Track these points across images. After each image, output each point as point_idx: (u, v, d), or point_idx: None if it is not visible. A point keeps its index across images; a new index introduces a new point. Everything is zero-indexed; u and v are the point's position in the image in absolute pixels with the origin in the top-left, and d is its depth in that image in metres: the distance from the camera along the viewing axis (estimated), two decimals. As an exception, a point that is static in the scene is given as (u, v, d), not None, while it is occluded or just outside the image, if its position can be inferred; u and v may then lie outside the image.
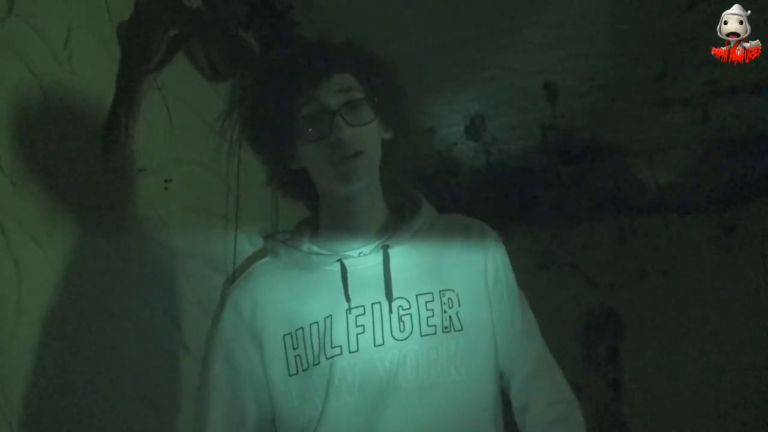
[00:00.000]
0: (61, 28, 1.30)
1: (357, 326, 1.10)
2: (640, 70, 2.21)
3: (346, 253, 1.16)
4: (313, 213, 1.27)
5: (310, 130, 1.11)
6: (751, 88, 2.25)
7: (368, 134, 1.12)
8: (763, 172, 2.62)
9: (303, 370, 1.12)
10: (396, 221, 1.21)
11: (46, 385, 1.19)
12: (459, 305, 1.13)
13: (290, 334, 1.14)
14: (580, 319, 2.99)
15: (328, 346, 1.10)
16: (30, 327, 1.17)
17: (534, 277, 2.90)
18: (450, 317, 1.11)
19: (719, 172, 2.70)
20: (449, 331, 1.10)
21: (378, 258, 1.15)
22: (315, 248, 1.20)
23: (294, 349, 1.13)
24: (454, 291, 1.14)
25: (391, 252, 1.15)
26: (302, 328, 1.13)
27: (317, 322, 1.12)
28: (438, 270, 1.16)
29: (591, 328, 2.98)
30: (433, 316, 1.11)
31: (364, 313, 1.11)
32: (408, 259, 1.16)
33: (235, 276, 1.73)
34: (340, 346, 1.10)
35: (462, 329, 1.11)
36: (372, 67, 1.17)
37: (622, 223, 2.98)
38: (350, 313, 1.11)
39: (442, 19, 1.86)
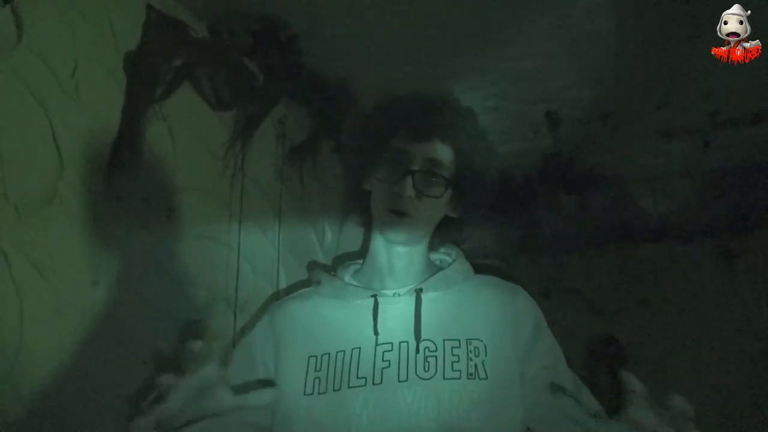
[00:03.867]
0: (69, 57, 1.32)
1: (383, 361, 1.13)
2: (642, 100, 2.23)
3: (382, 291, 1.20)
4: (362, 245, 1.33)
5: (384, 170, 1.17)
6: (751, 119, 2.26)
7: (428, 205, 1.18)
8: (763, 202, 2.62)
9: (320, 393, 1.12)
10: (433, 270, 1.26)
11: (46, 411, 1.19)
12: (486, 354, 1.15)
13: (315, 356, 1.16)
14: (582, 346, 2.98)
15: (353, 376, 1.12)
16: (31, 353, 1.18)
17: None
18: (476, 365, 1.13)
19: (720, 201, 2.70)
20: (474, 379, 1.12)
21: (411, 300, 1.19)
22: (354, 282, 1.26)
23: (316, 371, 1.14)
24: (481, 341, 1.16)
25: (424, 296, 1.19)
26: (329, 353, 1.15)
27: (344, 351, 1.15)
28: (467, 320, 1.19)
29: (593, 354, 2.96)
30: (458, 361, 1.13)
31: (392, 349, 1.14)
32: (439, 305, 1.20)
33: (238, 302, 1.73)
34: (365, 378, 1.11)
35: (487, 378, 1.12)
36: (473, 153, 1.22)
37: (623, 250, 2.99)
38: (378, 348, 1.14)
39: (443, 49, 1.88)
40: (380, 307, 1.18)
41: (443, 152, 1.18)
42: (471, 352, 1.14)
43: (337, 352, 1.15)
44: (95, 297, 1.33)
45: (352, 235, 2.25)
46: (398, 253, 1.22)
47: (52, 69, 1.28)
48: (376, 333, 1.15)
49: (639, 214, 2.86)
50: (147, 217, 1.48)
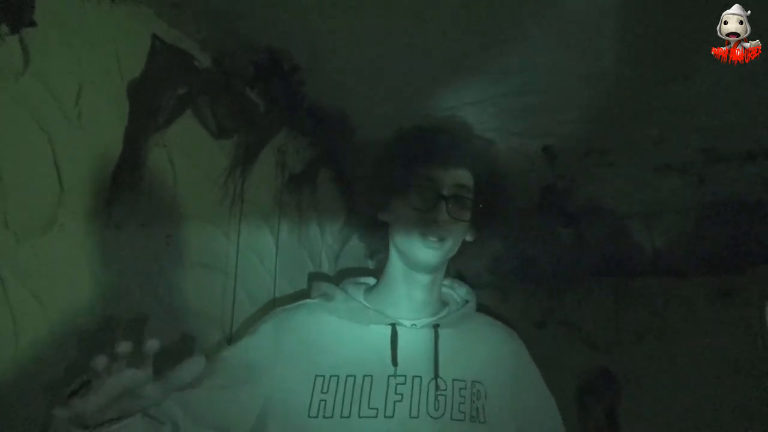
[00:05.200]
0: (73, 85, 1.34)
1: (396, 393, 1.12)
2: (638, 136, 2.25)
3: (400, 320, 1.19)
4: (375, 268, 1.33)
5: (416, 197, 1.19)
6: (746, 155, 2.29)
7: (457, 229, 1.21)
8: (758, 238, 2.64)
9: (325, 417, 1.10)
10: (444, 306, 1.28)
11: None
12: (485, 398, 1.16)
13: (323, 376, 1.13)
14: (577, 379, 2.96)
15: (364, 405, 1.10)
16: (27, 380, 1.17)
17: (531, 335, 2.89)
18: (477, 408, 1.14)
19: (715, 236, 2.72)
20: (475, 422, 1.12)
21: (428, 334, 1.19)
22: (366, 304, 1.24)
23: (322, 393, 1.12)
24: (483, 384, 1.17)
25: (440, 332, 1.19)
26: (337, 376, 1.13)
27: (354, 376, 1.13)
28: (472, 361, 1.20)
29: (588, 388, 2.95)
30: (464, 402, 1.13)
31: (405, 382, 1.13)
32: (450, 343, 1.20)
33: (233, 329, 1.73)
34: (377, 409, 1.10)
35: (485, 422, 1.13)
36: (490, 179, 1.26)
37: (619, 284, 2.99)
38: (393, 379, 1.12)
39: (442, 85, 1.90)
40: (398, 337, 1.17)
41: (468, 178, 1.23)
42: (474, 394, 1.14)
43: (346, 376, 1.13)
44: (92, 324, 1.32)
45: (348, 263, 2.25)
46: (419, 284, 1.23)
47: (56, 96, 1.29)
48: (394, 364, 1.14)
49: (635, 248, 2.87)
50: (146, 243, 1.48)
